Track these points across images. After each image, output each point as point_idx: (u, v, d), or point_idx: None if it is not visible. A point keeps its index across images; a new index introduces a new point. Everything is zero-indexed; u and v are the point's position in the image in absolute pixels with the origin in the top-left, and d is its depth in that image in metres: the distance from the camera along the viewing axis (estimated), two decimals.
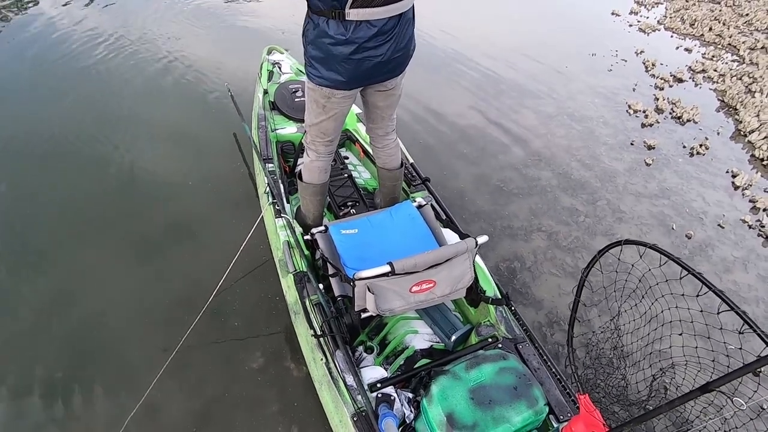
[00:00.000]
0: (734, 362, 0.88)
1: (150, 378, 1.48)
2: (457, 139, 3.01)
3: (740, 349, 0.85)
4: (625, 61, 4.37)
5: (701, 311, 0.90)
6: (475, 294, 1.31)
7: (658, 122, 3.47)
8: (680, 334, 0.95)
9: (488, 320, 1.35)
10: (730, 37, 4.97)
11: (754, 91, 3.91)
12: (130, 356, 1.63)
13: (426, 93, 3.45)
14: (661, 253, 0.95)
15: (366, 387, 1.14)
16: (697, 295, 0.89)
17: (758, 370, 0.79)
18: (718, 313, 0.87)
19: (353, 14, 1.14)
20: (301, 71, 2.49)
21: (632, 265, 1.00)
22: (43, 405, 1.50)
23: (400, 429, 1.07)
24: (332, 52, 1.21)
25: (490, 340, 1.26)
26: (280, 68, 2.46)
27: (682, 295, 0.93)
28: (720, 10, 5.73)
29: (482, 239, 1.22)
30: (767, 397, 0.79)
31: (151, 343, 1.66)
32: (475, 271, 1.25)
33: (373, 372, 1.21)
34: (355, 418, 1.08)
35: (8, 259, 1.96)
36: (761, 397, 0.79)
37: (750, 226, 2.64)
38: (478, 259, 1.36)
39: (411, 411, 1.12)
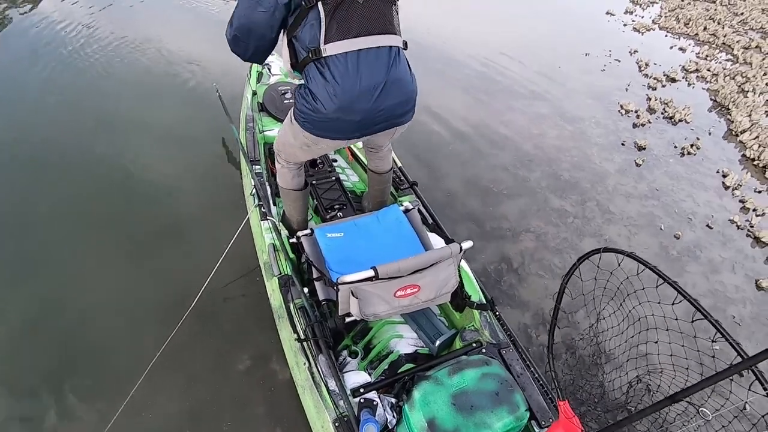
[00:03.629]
0: (707, 370, 0.89)
1: (136, 378, 1.48)
2: (447, 140, 3.01)
3: (713, 357, 0.86)
4: (619, 61, 4.37)
5: (676, 319, 0.91)
6: (460, 299, 1.32)
7: (650, 122, 3.48)
8: (656, 342, 0.96)
9: (473, 325, 1.35)
10: (725, 36, 4.98)
11: (747, 91, 3.93)
12: (117, 356, 1.63)
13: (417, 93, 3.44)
14: (639, 262, 0.96)
15: (349, 392, 1.14)
16: (673, 303, 0.90)
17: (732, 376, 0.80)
18: (693, 321, 0.87)
19: (329, 49, 1.11)
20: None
21: (611, 273, 1.00)
22: (28, 405, 1.50)
23: None
24: (326, 119, 1.19)
25: (474, 345, 1.27)
26: (269, 69, 2.43)
27: (659, 302, 0.94)
28: (715, 9, 5.74)
29: (467, 244, 1.23)
30: (737, 404, 0.80)
31: (138, 343, 1.66)
32: (460, 275, 1.26)
33: (356, 377, 1.22)
34: (336, 424, 1.08)
35: None
36: (732, 405, 0.80)
37: (739, 227, 2.66)
38: (463, 263, 1.36)
39: (393, 416, 1.12)
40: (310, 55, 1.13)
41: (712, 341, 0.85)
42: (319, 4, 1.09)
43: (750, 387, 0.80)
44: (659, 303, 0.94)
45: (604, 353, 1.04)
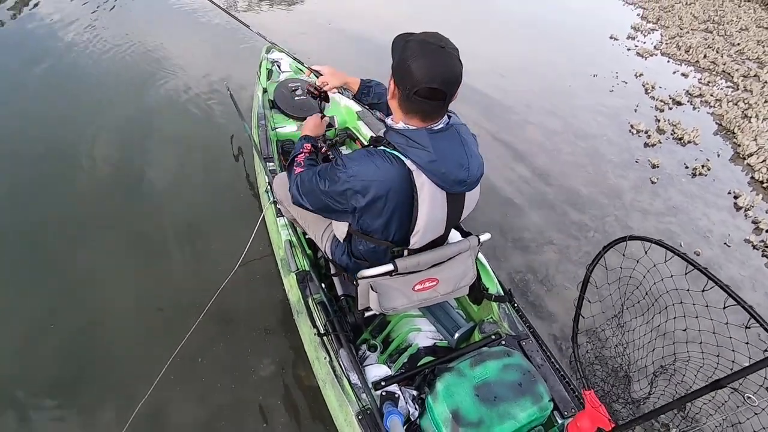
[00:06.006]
0: (739, 357, 0.91)
1: (153, 382, 1.46)
2: None
3: (747, 343, 0.88)
4: (626, 82, 4.56)
5: (707, 306, 0.93)
6: (477, 291, 1.33)
7: (660, 142, 3.60)
8: (684, 330, 0.98)
9: (491, 317, 1.37)
10: (724, 64, 5.23)
11: (750, 117, 4.09)
12: (132, 361, 1.62)
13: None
14: (667, 249, 0.99)
15: (370, 385, 1.14)
16: (702, 290, 0.93)
17: None
18: (724, 308, 0.90)
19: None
20: (300, 69, 2.46)
21: (637, 261, 1.04)
22: (41, 410, 1.47)
23: (405, 427, 1.07)
24: None
25: (493, 337, 1.28)
26: (279, 67, 2.45)
27: (687, 290, 0.97)
28: (713, 39, 6.05)
29: (485, 237, 1.24)
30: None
31: (154, 347, 1.64)
32: (477, 268, 1.28)
33: (377, 370, 1.22)
34: (360, 417, 1.08)
35: (9, 260, 1.94)
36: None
37: (754, 246, 2.70)
38: (480, 256, 1.38)
39: (416, 408, 1.12)
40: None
41: (746, 328, 0.87)
42: (405, 252, 1.11)
43: None
44: (688, 290, 0.96)
45: (630, 343, 1.06)
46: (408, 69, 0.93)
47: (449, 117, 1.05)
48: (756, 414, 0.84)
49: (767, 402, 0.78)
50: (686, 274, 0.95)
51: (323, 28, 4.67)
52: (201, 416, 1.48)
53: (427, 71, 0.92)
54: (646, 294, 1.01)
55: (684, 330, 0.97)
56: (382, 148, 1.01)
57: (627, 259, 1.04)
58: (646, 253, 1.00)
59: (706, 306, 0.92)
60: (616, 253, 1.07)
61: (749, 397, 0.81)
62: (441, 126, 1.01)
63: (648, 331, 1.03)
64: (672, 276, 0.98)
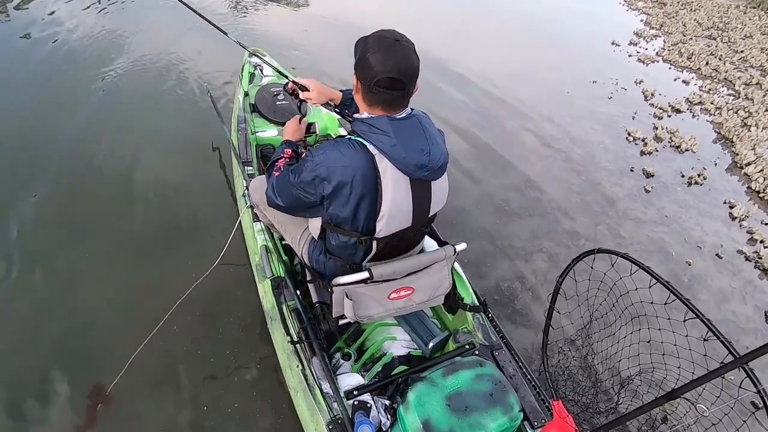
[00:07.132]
0: (699, 368, 0.96)
1: (119, 380, 1.50)
2: (458, 157, 3.12)
3: (705, 355, 0.93)
4: (625, 89, 4.64)
5: (668, 319, 0.99)
6: (453, 301, 1.37)
7: (657, 150, 3.66)
8: (648, 342, 1.03)
9: (465, 327, 1.41)
10: (726, 72, 5.32)
11: (750, 125, 4.17)
12: (102, 362, 1.65)
13: (427, 111, 3.67)
14: (632, 262, 1.06)
15: (342, 394, 1.17)
16: (665, 303, 0.99)
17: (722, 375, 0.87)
18: (684, 321, 0.96)
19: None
20: (282, 74, 2.59)
21: (604, 273, 1.09)
22: (22, 407, 1.51)
23: None
24: None
25: (467, 346, 1.32)
26: (261, 71, 2.50)
27: (651, 303, 1.03)
28: (716, 46, 6.16)
29: (460, 247, 1.28)
30: (729, 402, 0.87)
31: (120, 347, 1.66)
32: (453, 278, 1.32)
33: (350, 379, 1.25)
34: (330, 426, 1.11)
35: None
36: (723, 403, 0.87)
37: (747, 258, 2.76)
38: (456, 266, 1.42)
39: (387, 418, 1.16)
40: (350, 267, 1.20)
41: (704, 340, 0.93)
42: (374, 243, 1.15)
43: (741, 384, 0.87)
44: (652, 303, 1.02)
45: (597, 354, 1.11)
46: (367, 62, 1.04)
47: (412, 110, 1.14)
48: (713, 424, 0.89)
49: (723, 412, 0.84)
50: (650, 287, 1.01)
51: (324, 28, 4.76)
52: (173, 418, 1.52)
53: (384, 62, 1.02)
54: (614, 305, 1.07)
55: (648, 342, 1.03)
56: (347, 136, 1.11)
57: (596, 272, 1.10)
58: (612, 266, 1.06)
59: (668, 319, 0.98)
60: (588, 266, 1.13)
61: (703, 409, 0.87)
62: (403, 115, 1.10)
63: (615, 342, 1.08)
64: (637, 289, 1.04)
